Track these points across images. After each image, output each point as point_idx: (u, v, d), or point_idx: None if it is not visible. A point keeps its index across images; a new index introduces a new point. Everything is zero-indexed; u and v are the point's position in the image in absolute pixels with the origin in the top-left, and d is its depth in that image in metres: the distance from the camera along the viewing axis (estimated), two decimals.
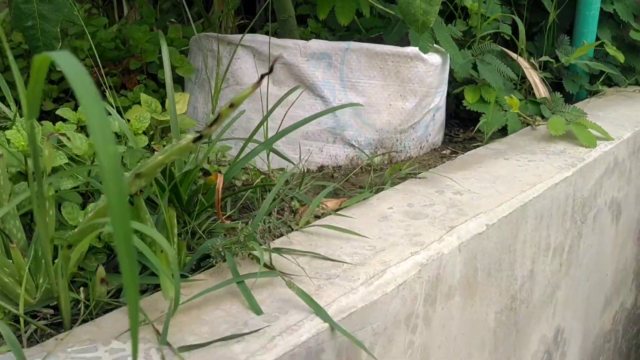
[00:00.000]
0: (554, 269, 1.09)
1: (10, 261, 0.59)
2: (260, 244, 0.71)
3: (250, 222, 0.74)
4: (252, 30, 1.18)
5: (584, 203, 1.13)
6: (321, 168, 1.16)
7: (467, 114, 1.43)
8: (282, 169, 1.09)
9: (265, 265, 0.70)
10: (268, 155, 1.04)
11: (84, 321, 0.60)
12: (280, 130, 1.09)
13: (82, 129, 0.88)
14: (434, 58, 1.21)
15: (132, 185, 0.59)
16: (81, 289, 0.63)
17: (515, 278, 0.96)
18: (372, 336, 0.68)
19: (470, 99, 1.33)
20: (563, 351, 1.24)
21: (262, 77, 0.60)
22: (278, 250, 0.74)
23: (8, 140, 0.71)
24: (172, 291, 0.58)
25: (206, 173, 0.97)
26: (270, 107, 1.11)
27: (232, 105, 0.59)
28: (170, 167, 0.77)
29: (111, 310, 0.62)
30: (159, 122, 0.99)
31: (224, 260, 0.69)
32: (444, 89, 1.28)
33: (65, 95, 1.27)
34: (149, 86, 1.24)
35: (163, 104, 1.01)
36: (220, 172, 0.93)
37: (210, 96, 1.17)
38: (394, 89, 1.17)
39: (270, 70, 0.60)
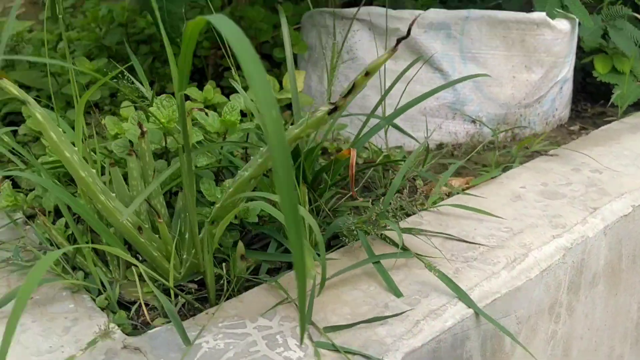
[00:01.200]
0: None
1: (158, 236, 0.61)
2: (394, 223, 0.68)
3: (379, 201, 0.72)
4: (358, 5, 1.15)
5: None
6: (440, 146, 1.11)
7: (595, 87, 1.32)
8: (399, 147, 1.06)
9: (397, 246, 0.68)
10: (386, 132, 1.01)
11: (228, 297, 0.61)
12: (398, 107, 1.06)
13: (207, 107, 0.90)
14: (562, 24, 1.11)
15: (264, 164, 0.58)
16: (223, 264, 0.65)
17: None
18: (516, 325, 0.64)
19: (601, 70, 1.22)
20: None
21: (399, 41, 0.57)
22: (409, 230, 0.71)
23: (148, 117, 0.72)
24: (313, 270, 0.57)
25: (324, 152, 0.96)
26: (386, 82, 1.08)
27: (367, 74, 0.57)
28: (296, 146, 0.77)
29: (252, 287, 0.63)
30: (277, 100, 0.99)
31: (355, 240, 0.68)
32: (572, 58, 1.18)
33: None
34: (264, 66, 1.24)
35: (280, 83, 1.01)
36: (341, 148, 0.91)
37: (326, 74, 1.15)
38: (519, 60, 1.10)
39: (408, 33, 0.57)
